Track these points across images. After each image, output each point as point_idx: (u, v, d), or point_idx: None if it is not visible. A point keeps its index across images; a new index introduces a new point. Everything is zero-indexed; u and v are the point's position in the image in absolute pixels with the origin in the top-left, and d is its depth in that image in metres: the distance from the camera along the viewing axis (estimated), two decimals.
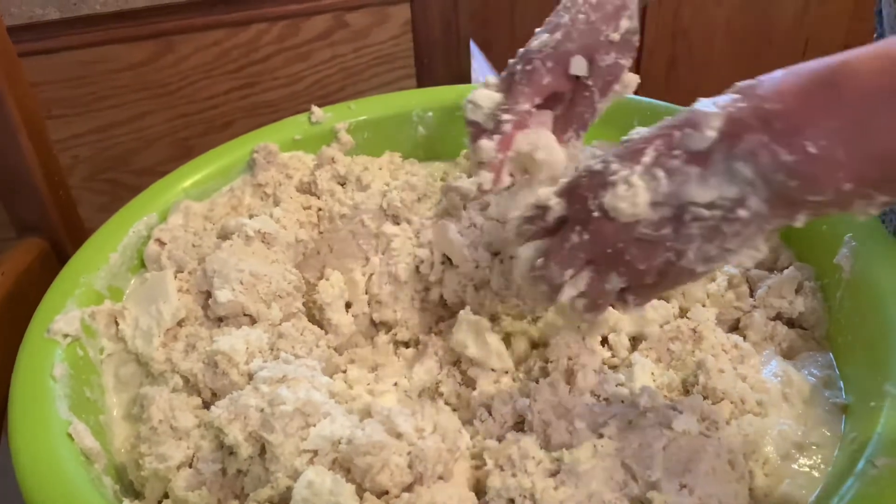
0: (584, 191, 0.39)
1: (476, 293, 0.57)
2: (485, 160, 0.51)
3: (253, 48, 0.78)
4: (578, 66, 0.51)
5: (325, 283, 0.57)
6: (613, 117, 0.67)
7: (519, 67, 0.51)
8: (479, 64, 0.90)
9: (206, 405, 0.47)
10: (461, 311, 0.52)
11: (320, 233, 0.62)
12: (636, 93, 0.69)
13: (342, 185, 0.64)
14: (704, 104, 0.36)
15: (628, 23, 0.52)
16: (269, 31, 0.78)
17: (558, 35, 0.51)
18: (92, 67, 0.75)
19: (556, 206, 0.40)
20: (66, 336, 0.48)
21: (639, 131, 0.39)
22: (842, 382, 0.46)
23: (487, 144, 0.51)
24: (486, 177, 0.51)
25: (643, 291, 0.40)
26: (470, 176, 0.65)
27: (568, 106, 0.52)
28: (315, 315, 0.56)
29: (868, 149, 0.32)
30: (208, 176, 0.63)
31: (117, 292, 0.55)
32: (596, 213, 0.38)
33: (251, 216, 0.58)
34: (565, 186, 0.41)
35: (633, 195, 0.36)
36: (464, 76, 0.82)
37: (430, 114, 0.70)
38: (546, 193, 0.41)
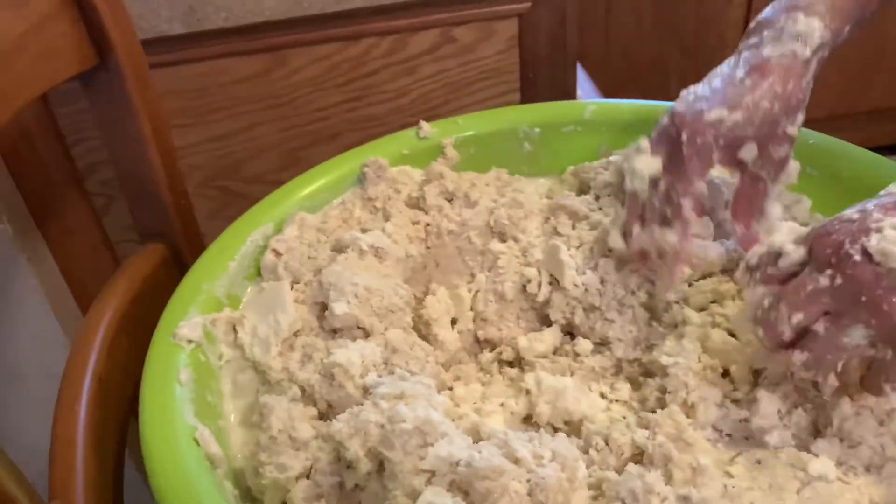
0: (839, 236, 0.37)
1: (585, 316, 0.56)
2: (668, 251, 0.50)
3: (361, 62, 0.80)
4: (749, 152, 0.49)
5: (431, 298, 0.57)
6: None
7: (685, 138, 0.48)
8: (583, 83, 0.89)
9: (322, 416, 0.48)
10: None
11: (427, 248, 0.62)
12: None
13: (450, 200, 0.64)
14: None
15: (803, 116, 0.50)
16: (378, 45, 0.79)
17: (737, 116, 0.48)
18: (209, 79, 0.78)
19: (794, 253, 0.39)
20: (189, 342, 0.50)
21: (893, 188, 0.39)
22: None
23: (671, 236, 0.49)
24: (675, 273, 0.50)
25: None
26: (579, 195, 0.64)
27: (741, 196, 0.51)
28: (421, 330, 0.56)
29: None
30: (321, 188, 0.64)
31: (235, 300, 0.56)
32: (856, 258, 0.36)
33: (363, 230, 0.59)
34: (811, 233, 0.39)
35: None
36: (569, 92, 0.82)
37: (538, 130, 0.69)
38: (780, 240, 0.40)
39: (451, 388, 0.54)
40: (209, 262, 0.57)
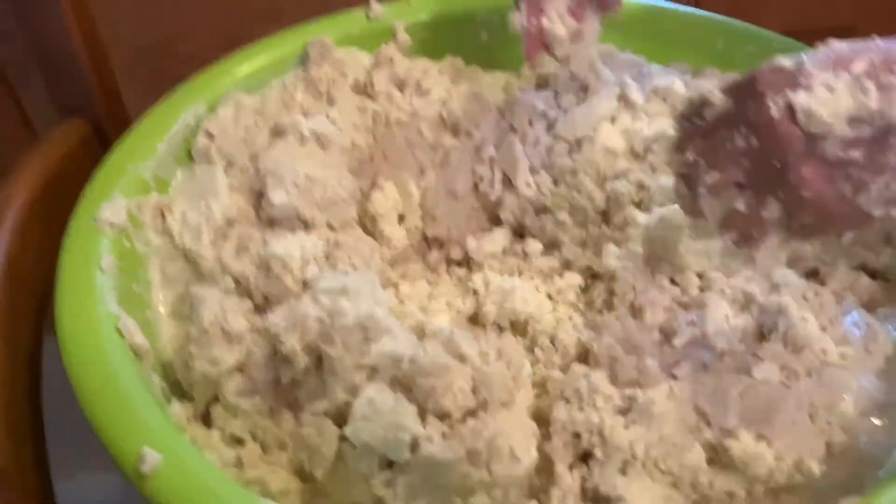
0: (764, 87, 0.32)
1: (536, 217, 0.54)
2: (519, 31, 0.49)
3: None
4: None
5: (378, 193, 0.54)
6: (694, 37, 0.62)
7: None
8: None
9: (258, 309, 0.45)
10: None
11: (374, 138, 0.58)
12: (706, 7, 0.64)
13: (400, 88, 0.60)
14: None
15: None
16: None
17: None
18: None
19: (720, 102, 0.34)
20: (112, 226, 0.46)
21: (835, 45, 0.34)
22: None
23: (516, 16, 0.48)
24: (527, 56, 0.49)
25: (793, 233, 0.34)
26: (537, 90, 0.61)
27: None
28: (367, 225, 0.54)
29: None
30: (260, 68, 0.59)
31: (163, 184, 0.52)
32: (776, 115, 0.32)
33: (305, 115, 0.55)
34: (739, 81, 0.34)
35: (835, 100, 0.31)
36: None
37: (497, 18, 0.65)
38: (708, 86, 0.35)
39: (396, 286, 0.52)
40: (135, 141, 0.52)
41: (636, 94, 0.55)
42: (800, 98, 0.32)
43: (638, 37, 0.64)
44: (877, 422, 0.39)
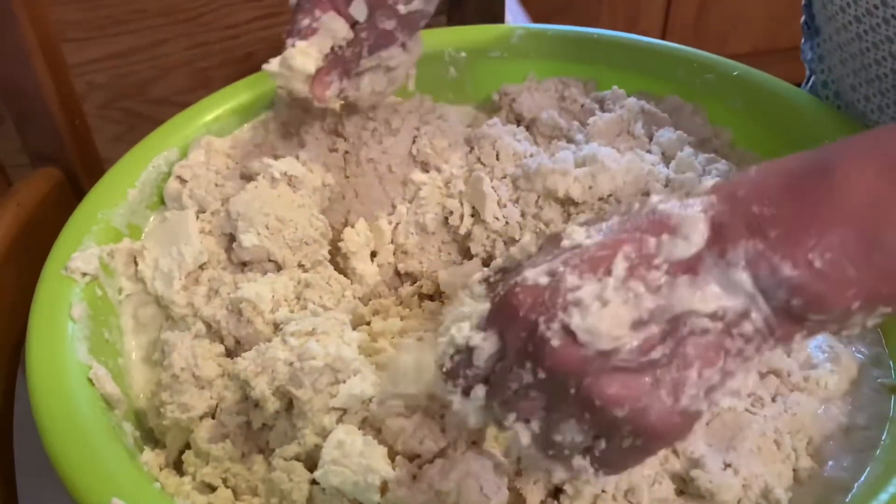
0: (529, 313, 0.29)
1: (505, 248, 0.55)
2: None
3: None
4: (358, 10, 0.50)
5: (350, 230, 0.55)
6: (656, 68, 0.64)
7: None
8: (513, 8, 0.85)
9: (230, 353, 0.46)
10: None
11: (346, 177, 0.59)
12: (669, 38, 0.65)
13: (371, 129, 0.61)
14: (669, 204, 0.30)
15: (420, 4, 0.50)
16: None
17: None
18: None
19: (485, 343, 0.30)
20: (84, 274, 0.47)
21: (577, 230, 0.31)
22: (892, 361, 0.44)
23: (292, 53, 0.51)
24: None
25: (614, 458, 0.30)
26: (505, 123, 0.62)
27: (336, 55, 0.51)
28: (339, 263, 0.54)
29: (881, 264, 0.27)
30: (230, 111, 0.60)
31: (136, 230, 0.53)
32: (555, 342, 0.28)
33: (276, 157, 0.56)
34: (492, 311, 0.31)
35: (612, 316, 0.28)
36: (497, 16, 0.78)
37: (464, 54, 0.66)
38: (463, 331, 0.31)
39: (368, 323, 0.52)
40: (107, 188, 0.53)
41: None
42: (575, 319, 0.28)
43: (602, 67, 0.65)
44: (843, 446, 0.40)
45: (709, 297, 0.28)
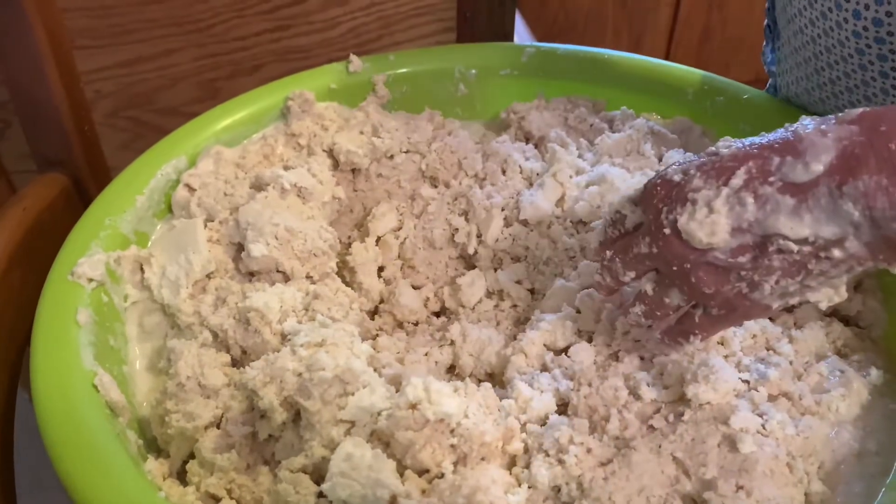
0: (659, 202, 0.36)
1: (512, 263, 0.55)
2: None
3: None
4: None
5: (358, 245, 0.55)
6: (666, 89, 0.64)
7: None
8: (519, 30, 0.86)
9: (236, 363, 0.45)
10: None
11: (354, 191, 0.59)
12: (674, 60, 0.65)
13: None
14: (811, 127, 0.33)
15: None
16: None
17: None
18: None
19: (632, 214, 0.39)
20: (90, 280, 0.46)
21: (728, 143, 0.36)
22: None
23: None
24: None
25: (707, 323, 0.39)
26: (514, 141, 0.62)
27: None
28: (346, 277, 0.54)
29: None
30: (240, 121, 0.60)
31: (143, 237, 0.52)
32: (667, 230, 0.36)
33: (286, 168, 0.55)
34: (642, 193, 0.39)
35: (712, 223, 0.34)
36: (507, 34, 0.79)
37: (474, 71, 0.67)
38: (622, 201, 0.40)
39: (375, 337, 0.52)
40: (115, 195, 0.52)
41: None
42: (682, 221, 0.35)
43: (612, 88, 0.65)
44: (854, 471, 0.40)
45: (805, 223, 0.32)
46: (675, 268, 0.36)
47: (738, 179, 0.34)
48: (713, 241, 0.34)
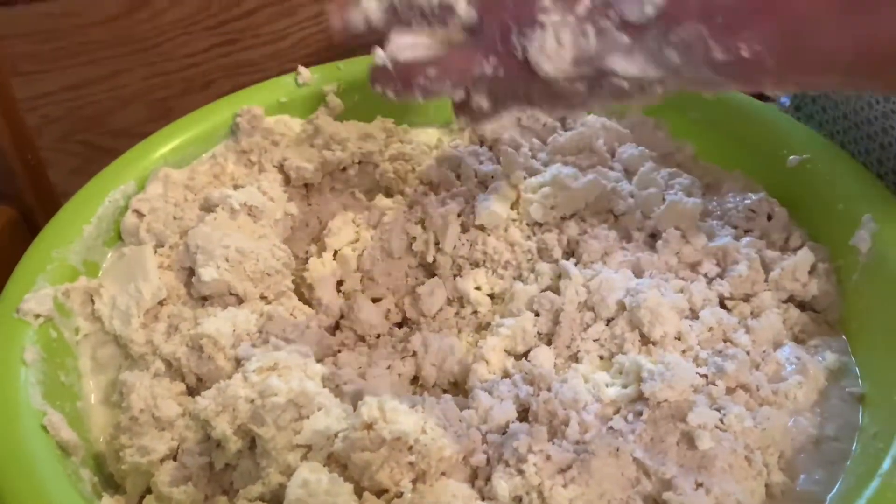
0: (508, 17, 0.36)
1: (472, 270, 0.54)
2: None
3: (235, 2, 0.73)
4: None
5: (315, 260, 0.54)
6: None
7: None
8: None
9: (192, 391, 0.44)
10: None
11: (309, 205, 0.58)
12: None
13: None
14: None
15: None
16: None
17: None
18: (60, 21, 0.70)
19: (465, 14, 0.38)
20: (37, 316, 0.45)
21: None
22: (858, 370, 0.44)
23: None
24: None
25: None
26: (470, 146, 0.62)
27: None
28: (304, 294, 0.53)
29: (798, 63, 0.32)
30: (189, 140, 0.59)
31: (93, 267, 0.51)
32: (518, 56, 0.36)
33: (236, 187, 0.55)
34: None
35: (559, 54, 0.35)
36: None
37: None
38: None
39: (336, 353, 0.51)
40: (61, 225, 0.51)
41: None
42: (532, 52, 0.35)
43: None
44: (814, 458, 0.40)
45: (635, 63, 0.34)
46: (519, 92, 0.37)
47: (582, 8, 0.34)
48: (557, 74, 0.35)
